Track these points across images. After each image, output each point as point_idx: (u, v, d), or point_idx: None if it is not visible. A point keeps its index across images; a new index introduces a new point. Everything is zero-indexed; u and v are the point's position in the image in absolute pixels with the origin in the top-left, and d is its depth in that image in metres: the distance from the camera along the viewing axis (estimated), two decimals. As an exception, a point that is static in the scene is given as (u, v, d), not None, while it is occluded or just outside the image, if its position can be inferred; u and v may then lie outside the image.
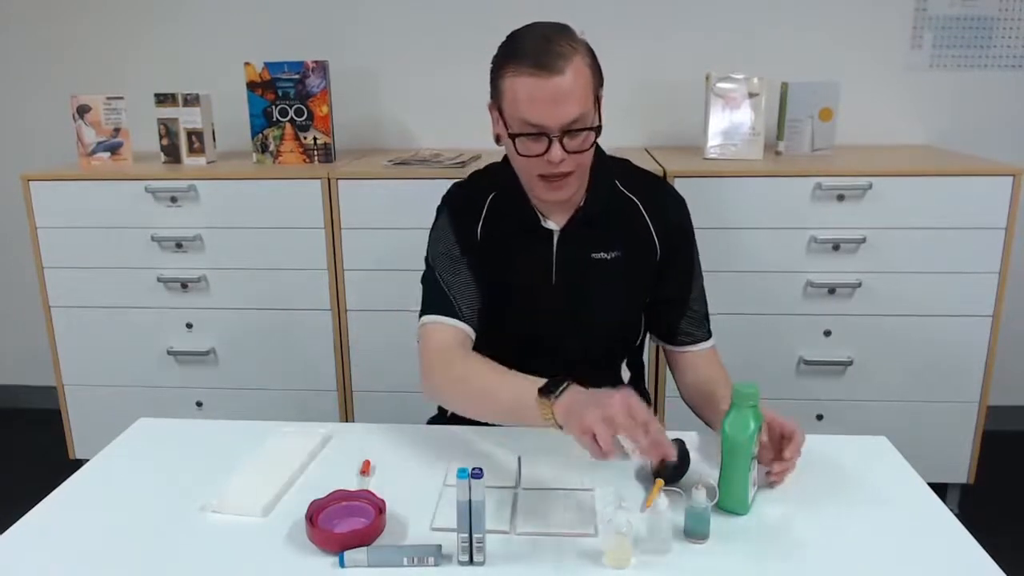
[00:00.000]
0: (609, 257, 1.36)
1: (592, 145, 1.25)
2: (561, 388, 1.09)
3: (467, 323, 1.32)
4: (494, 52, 1.25)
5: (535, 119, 1.19)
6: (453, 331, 1.31)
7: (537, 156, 1.22)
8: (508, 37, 1.24)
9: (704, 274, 1.46)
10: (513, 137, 1.23)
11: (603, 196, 1.36)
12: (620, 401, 1.02)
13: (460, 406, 1.28)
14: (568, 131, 1.20)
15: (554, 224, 1.36)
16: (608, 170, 1.39)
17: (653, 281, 1.40)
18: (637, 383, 1.54)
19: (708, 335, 1.43)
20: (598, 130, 1.25)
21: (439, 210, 1.44)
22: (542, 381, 1.12)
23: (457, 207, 1.41)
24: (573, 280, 1.36)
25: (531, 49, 1.18)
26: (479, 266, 1.37)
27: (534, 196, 1.33)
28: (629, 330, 1.46)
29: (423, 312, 1.35)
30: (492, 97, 1.27)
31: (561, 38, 1.19)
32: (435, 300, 1.34)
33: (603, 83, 1.27)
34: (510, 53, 1.21)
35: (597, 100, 1.25)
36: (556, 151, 1.20)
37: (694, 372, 1.42)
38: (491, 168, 1.43)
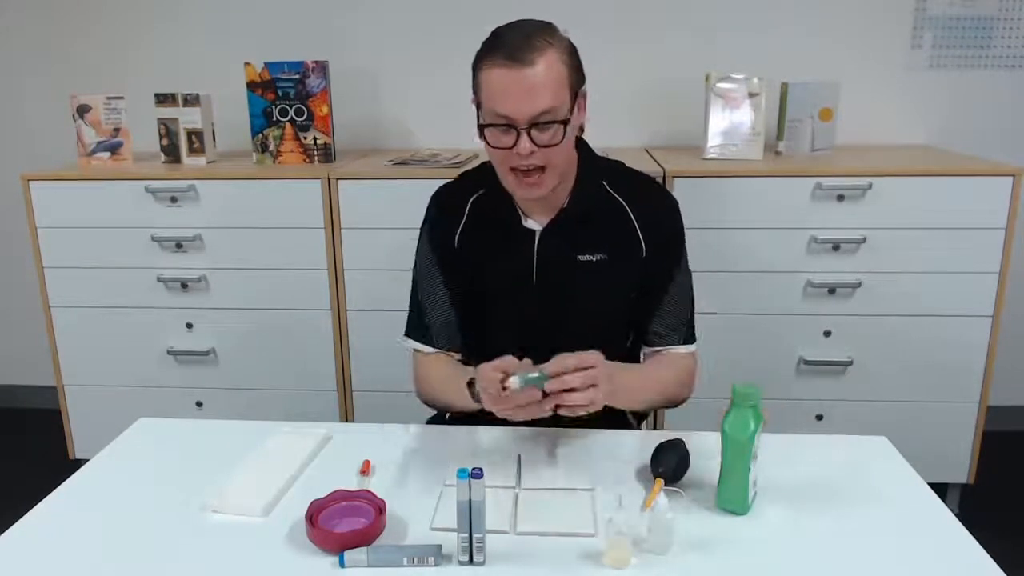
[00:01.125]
0: (594, 260, 1.35)
1: (563, 140, 1.24)
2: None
3: (442, 348, 1.44)
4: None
5: (503, 110, 1.20)
6: (433, 357, 1.44)
7: (507, 148, 1.23)
8: (491, 33, 1.26)
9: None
10: (484, 128, 1.24)
11: (588, 197, 1.35)
12: (482, 374, 1.16)
13: (437, 406, 1.44)
14: (536, 124, 1.20)
15: (535, 224, 1.36)
16: (597, 171, 1.38)
17: (639, 284, 1.39)
18: None
19: (682, 341, 1.41)
20: (566, 124, 1.23)
21: (424, 219, 1.46)
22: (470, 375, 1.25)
23: (436, 215, 1.44)
24: (554, 281, 1.36)
25: (507, 43, 1.20)
26: (457, 275, 1.40)
27: (512, 193, 1.34)
28: (614, 333, 1.45)
29: (406, 330, 1.47)
30: (473, 91, 1.28)
31: (539, 33, 1.21)
32: (415, 321, 1.46)
33: (584, 81, 1.28)
34: (488, 47, 1.23)
35: (575, 97, 1.25)
36: (524, 143, 1.21)
37: None
38: (483, 166, 1.43)
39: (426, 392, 1.43)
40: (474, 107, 1.29)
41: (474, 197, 1.40)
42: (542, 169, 1.25)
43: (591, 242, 1.35)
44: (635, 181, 1.42)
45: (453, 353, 1.44)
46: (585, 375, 1.12)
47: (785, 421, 2.21)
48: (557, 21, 1.30)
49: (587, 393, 1.12)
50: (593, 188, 1.37)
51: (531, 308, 1.38)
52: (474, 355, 1.47)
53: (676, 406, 1.43)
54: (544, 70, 1.19)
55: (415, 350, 1.46)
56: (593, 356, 1.14)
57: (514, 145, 1.22)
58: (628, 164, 1.46)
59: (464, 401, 1.25)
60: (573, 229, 1.35)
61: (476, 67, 1.25)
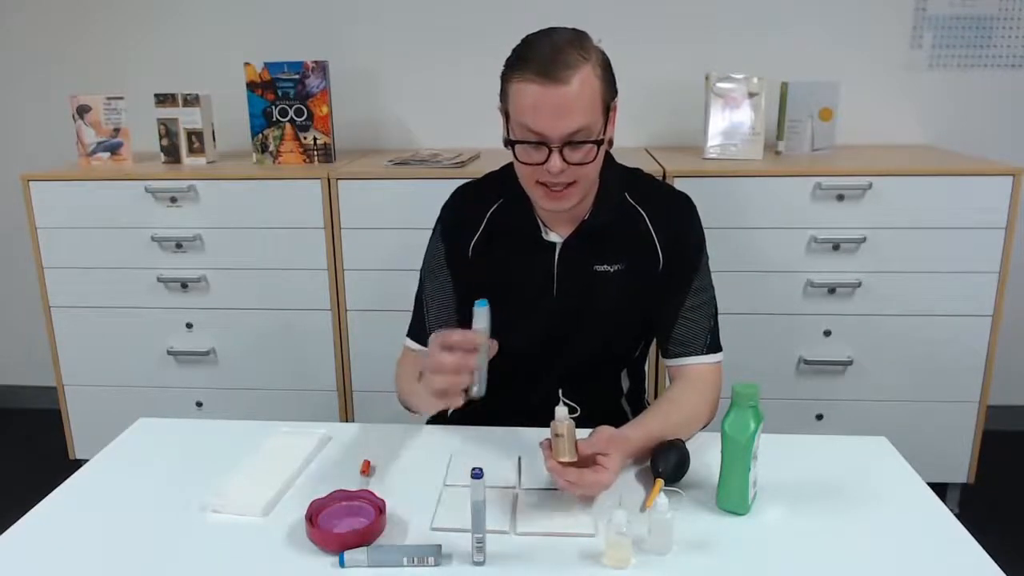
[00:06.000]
0: (612, 270, 1.34)
1: (595, 158, 1.21)
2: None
3: None
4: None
5: (536, 127, 1.17)
6: (412, 355, 1.43)
7: (537, 164, 1.20)
8: (522, 41, 1.22)
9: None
10: (514, 143, 1.22)
11: (610, 209, 1.33)
12: (430, 360, 1.09)
13: (407, 407, 1.38)
14: (569, 142, 1.18)
15: (557, 236, 1.34)
16: (619, 182, 1.36)
17: (656, 294, 1.36)
18: (637, 393, 1.53)
19: (705, 351, 1.35)
20: (600, 144, 1.21)
21: (438, 219, 1.44)
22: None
23: (451, 221, 1.42)
24: (574, 293, 1.35)
25: (540, 56, 1.16)
26: (467, 283, 1.38)
27: (536, 205, 1.32)
28: (629, 343, 1.44)
29: (408, 330, 1.46)
30: (501, 100, 1.25)
31: (572, 47, 1.17)
32: (414, 322, 1.46)
33: (616, 94, 1.25)
34: (520, 58, 1.19)
35: (607, 111, 1.22)
36: (555, 161, 1.18)
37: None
38: (505, 171, 1.38)
39: (397, 389, 1.40)
40: (501, 115, 1.26)
41: (493, 208, 1.38)
42: (571, 183, 1.23)
43: (609, 253, 1.33)
44: (654, 190, 1.40)
45: None
46: (590, 483, 1.08)
47: (785, 421, 2.21)
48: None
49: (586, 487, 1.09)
50: (615, 200, 1.34)
51: (550, 319, 1.37)
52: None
53: (704, 427, 1.34)
54: (578, 88, 1.15)
55: (405, 345, 1.44)
56: (608, 454, 1.10)
57: (545, 162, 1.19)
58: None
59: (418, 397, 1.22)
60: (593, 241, 1.33)
61: (506, 77, 1.21)
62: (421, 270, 1.45)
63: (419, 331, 1.43)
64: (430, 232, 1.45)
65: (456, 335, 1.08)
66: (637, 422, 1.23)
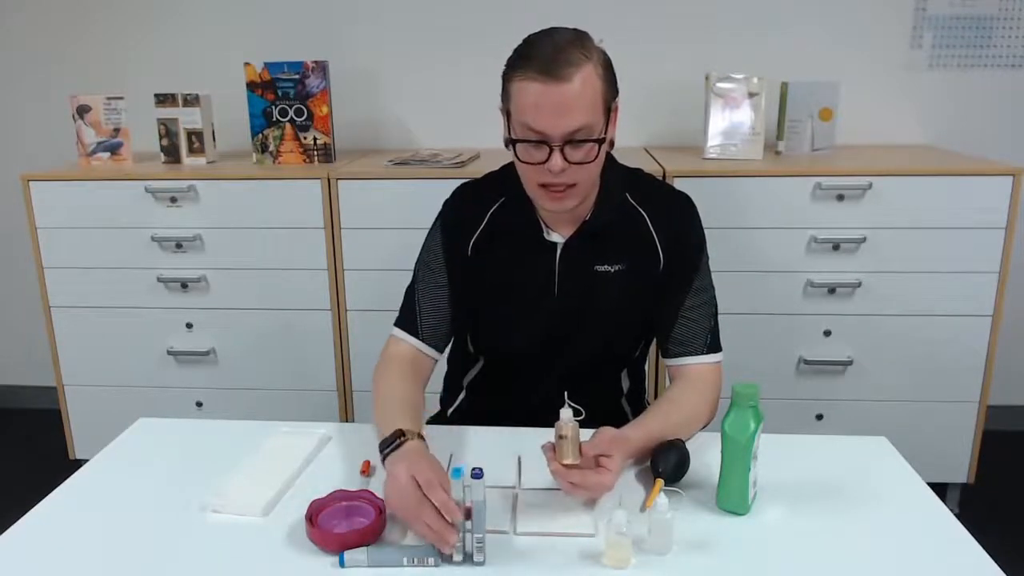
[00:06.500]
0: (613, 270, 1.34)
1: (596, 157, 1.21)
2: (391, 447, 1.14)
3: (425, 343, 1.39)
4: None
5: (537, 125, 1.17)
6: (408, 348, 1.40)
7: (538, 163, 1.20)
8: (524, 40, 1.22)
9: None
10: (515, 142, 1.21)
11: (611, 209, 1.33)
12: (396, 500, 1.04)
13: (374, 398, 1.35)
14: (571, 141, 1.17)
15: (558, 236, 1.34)
16: (620, 182, 1.36)
17: (656, 294, 1.37)
18: (637, 393, 1.53)
19: (705, 350, 1.35)
20: (602, 142, 1.21)
21: (438, 215, 1.43)
22: (401, 421, 1.18)
23: (452, 218, 1.41)
24: (575, 293, 1.35)
25: (542, 54, 1.16)
26: (462, 280, 1.38)
27: (538, 205, 1.31)
28: (629, 344, 1.44)
29: (396, 320, 1.43)
30: (502, 100, 1.25)
31: (574, 46, 1.17)
32: (405, 313, 1.42)
33: (617, 95, 1.24)
34: (522, 56, 1.19)
35: (608, 111, 1.22)
36: (556, 160, 1.18)
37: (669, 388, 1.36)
38: (506, 171, 1.38)
39: (374, 380, 1.36)
40: (502, 115, 1.26)
41: (494, 207, 1.37)
42: (571, 184, 1.22)
43: (610, 253, 1.34)
44: (655, 190, 1.40)
45: (435, 351, 1.41)
46: (593, 485, 1.08)
47: (785, 421, 2.21)
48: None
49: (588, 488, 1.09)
50: (616, 200, 1.34)
51: (551, 320, 1.37)
52: (485, 358, 1.49)
53: (704, 427, 1.33)
54: (580, 86, 1.15)
55: (393, 335, 1.42)
56: (611, 456, 1.10)
57: (546, 161, 1.19)
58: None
59: (381, 431, 1.21)
60: (594, 241, 1.33)
61: (507, 77, 1.21)
62: (416, 263, 1.44)
63: (409, 322, 1.41)
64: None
65: (438, 498, 1.00)
66: (637, 422, 1.23)
